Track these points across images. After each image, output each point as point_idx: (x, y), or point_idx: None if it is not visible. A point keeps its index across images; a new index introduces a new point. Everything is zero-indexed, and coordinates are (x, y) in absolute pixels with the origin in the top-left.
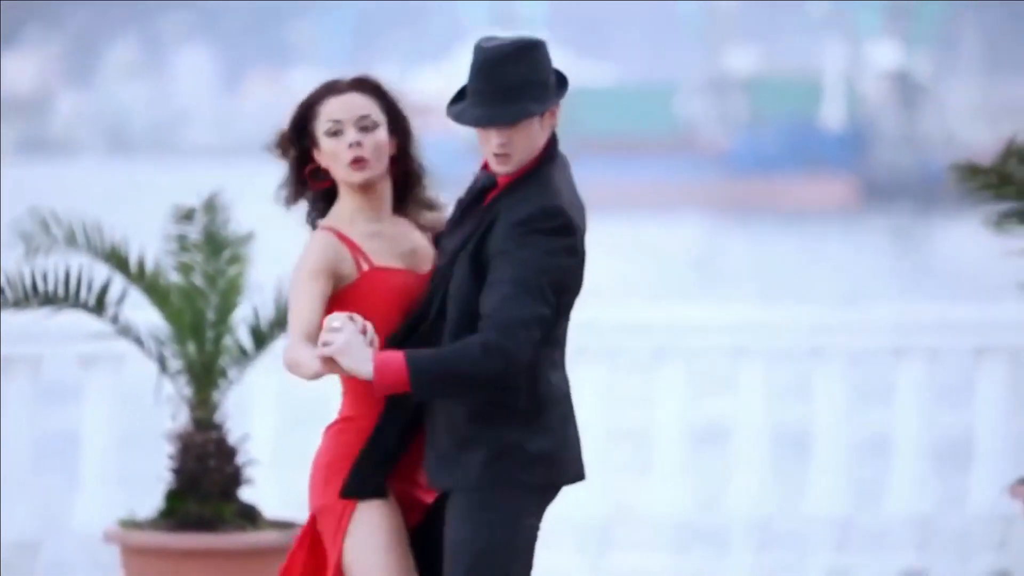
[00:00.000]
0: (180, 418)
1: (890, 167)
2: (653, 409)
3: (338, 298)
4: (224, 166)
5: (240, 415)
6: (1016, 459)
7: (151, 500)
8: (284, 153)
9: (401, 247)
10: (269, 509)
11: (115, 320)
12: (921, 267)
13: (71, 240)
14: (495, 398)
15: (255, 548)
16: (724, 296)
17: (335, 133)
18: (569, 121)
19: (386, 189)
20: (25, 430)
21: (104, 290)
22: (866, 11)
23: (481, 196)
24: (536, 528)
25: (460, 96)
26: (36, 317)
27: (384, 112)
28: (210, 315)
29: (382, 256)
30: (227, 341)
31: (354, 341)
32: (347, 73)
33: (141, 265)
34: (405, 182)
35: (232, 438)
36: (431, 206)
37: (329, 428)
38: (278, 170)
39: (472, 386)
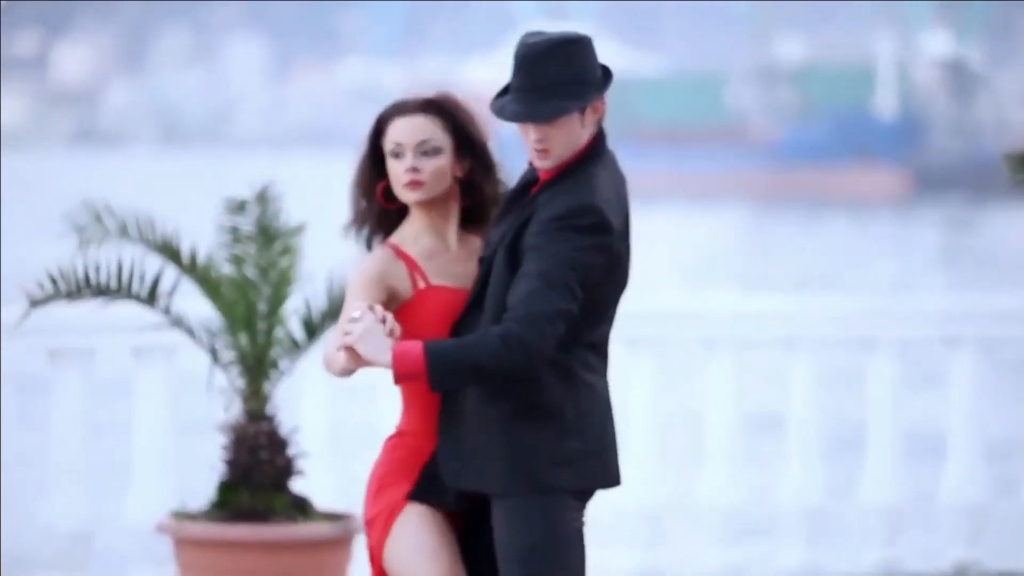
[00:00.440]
0: (232, 409)
1: (942, 156)
2: (704, 399)
3: (396, 316)
4: (274, 155)
5: (292, 406)
6: None
7: (203, 492)
8: (362, 172)
9: (465, 267)
10: (321, 501)
11: (167, 312)
12: (974, 256)
13: (124, 232)
14: (523, 399)
15: (306, 540)
16: (775, 286)
17: (396, 155)
18: (620, 111)
19: (452, 208)
20: (78, 422)
21: (156, 282)
22: None
23: (526, 189)
24: (579, 521)
25: (506, 91)
26: (89, 309)
27: (451, 135)
28: (262, 306)
29: (441, 275)
30: (279, 332)
31: (373, 330)
32: (424, 91)
33: (193, 257)
34: (477, 201)
35: (284, 429)
36: None
37: (386, 441)
38: (327, 160)
39: (489, 377)
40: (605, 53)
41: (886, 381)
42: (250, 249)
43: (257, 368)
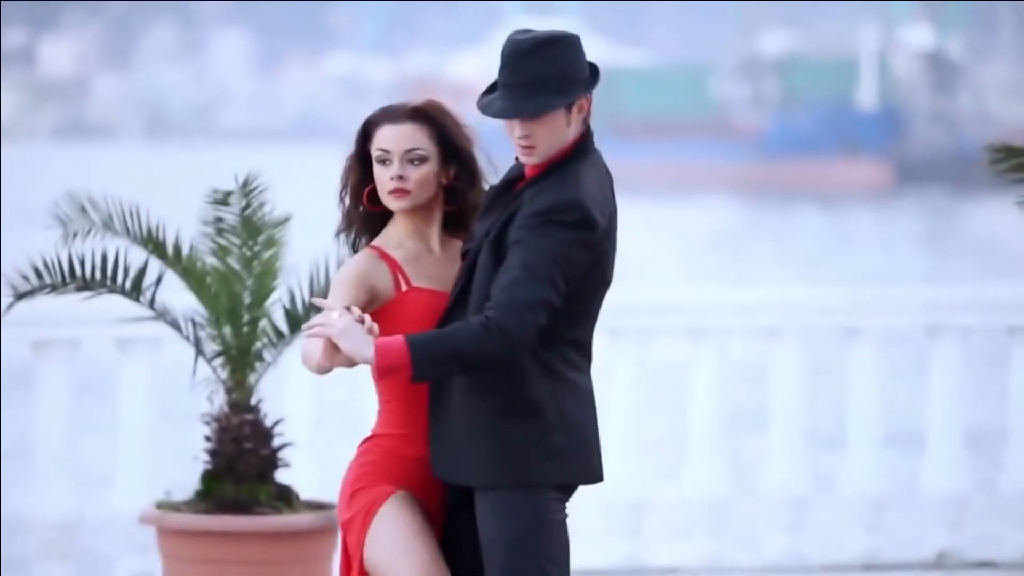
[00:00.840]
0: (216, 401)
1: (924, 148)
2: (687, 390)
3: (378, 316)
4: (261, 149)
5: (276, 398)
6: None
7: (187, 482)
8: (348, 173)
9: (447, 270)
10: (305, 491)
11: (152, 304)
12: (955, 248)
13: (108, 224)
14: (509, 396)
15: (291, 530)
16: (758, 277)
17: (383, 162)
18: (605, 103)
19: (435, 214)
20: (62, 413)
21: (141, 274)
22: None
23: (511, 185)
24: (562, 513)
25: (493, 88)
26: (73, 301)
27: (437, 143)
28: (246, 298)
29: (423, 278)
30: (263, 324)
31: (352, 327)
32: (412, 98)
33: (178, 249)
34: (460, 207)
35: (268, 421)
36: None
37: (360, 445)
38: (314, 154)
39: (472, 365)
40: (590, 47)
41: (869, 371)
42: (235, 241)
43: (241, 359)
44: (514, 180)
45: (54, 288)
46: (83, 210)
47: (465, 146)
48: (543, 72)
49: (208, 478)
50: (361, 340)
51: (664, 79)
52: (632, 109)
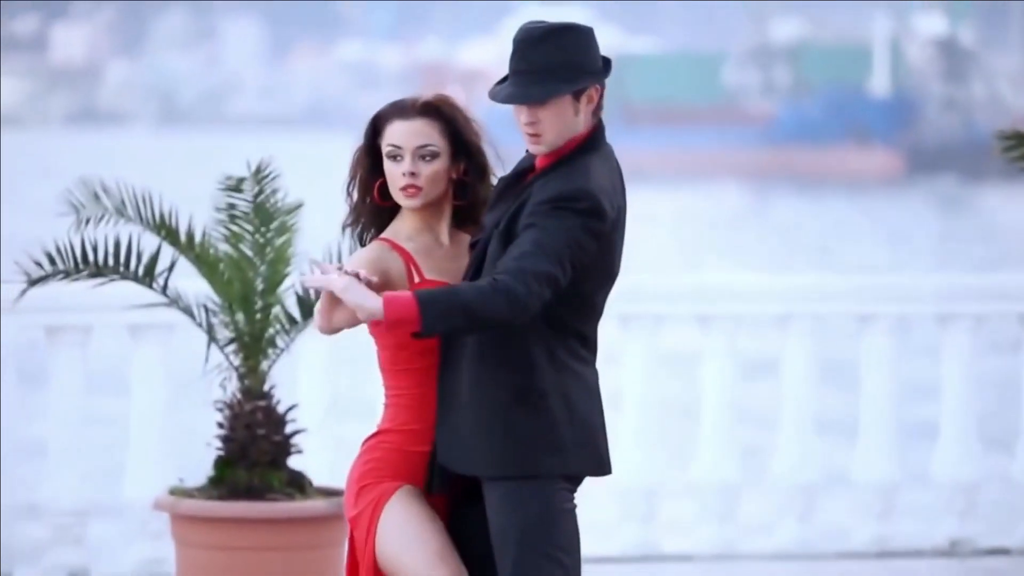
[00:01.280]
0: (229, 387)
1: (936, 135)
2: (698, 377)
3: None
4: (272, 136)
5: (289, 384)
6: None
7: (200, 469)
8: (357, 166)
9: (458, 263)
10: (317, 477)
11: (164, 290)
12: (967, 235)
13: (121, 210)
14: (518, 388)
15: (304, 516)
16: (768, 264)
17: (394, 157)
18: (616, 90)
19: (445, 208)
20: (76, 399)
21: (154, 260)
22: None
23: (521, 176)
24: (571, 502)
25: (507, 79)
26: (86, 287)
27: (448, 139)
28: (259, 285)
29: (435, 271)
30: (276, 311)
31: (354, 283)
32: (423, 91)
33: (191, 235)
34: (470, 202)
35: (281, 407)
36: None
37: (365, 441)
38: (325, 141)
39: (478, 322)
40: (601, 35)
41: (880, 358)
42: (247, 227)
43: (254, 346)
44: (524, 172)
45: (67, 274)
46: (96, 196)
47: (475, 141)
48: (552, 59)
49: (221, 464)
50: (365, 294)
51: (675, 66)
52: (643, 96)
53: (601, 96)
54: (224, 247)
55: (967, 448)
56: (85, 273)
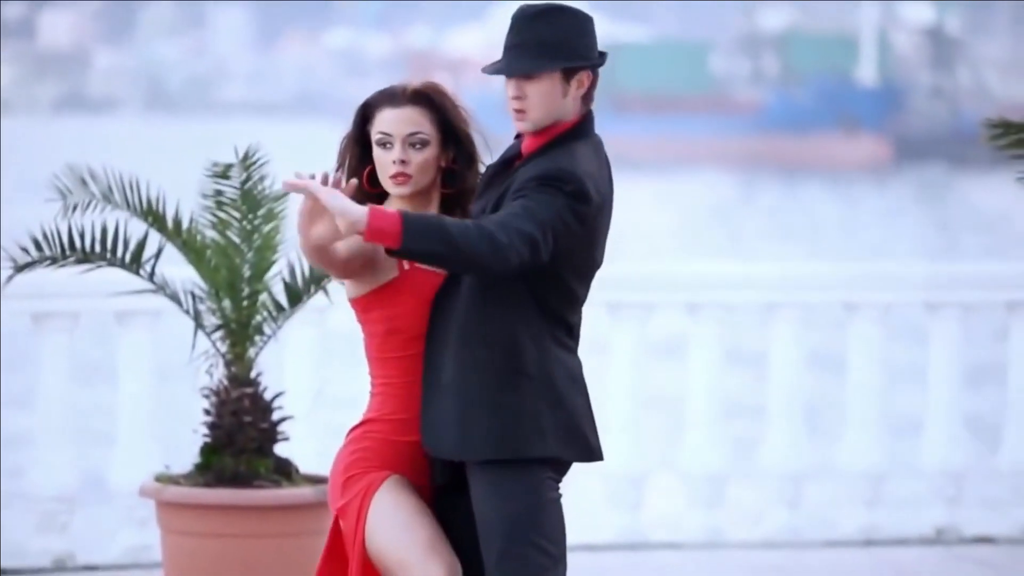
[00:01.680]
0: (216, 374)
1: (923, 124)
2: (686, 364)
3: (379, 295)
4: (260, 123)
5: (275, 371)
6: None
7: (187, 456)
8: (345, 153)
9: None
10: (304, 465)
11: (152, 277)
12: (954, 223)
13: (108, 196)
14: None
15: (290, 503)
16: (757, 253)
17: (383, 145)
18: (605, 79)
19: (433, 196)
20: (62, 386)
21: (141, 247)
22: None
23: (508, 164)
24: (556, 491)
25: None
26: (73, 273)
27: (438, 127)
28: (246, 272)
29: None
30: (263, 298)
31: (336, 191)
32: (412, 79)
33: (178, 222)
34: (458, 190)
35: (267, 394)
36: None
37: (350, 431)
38: (313, 128)
39: (455, 257)
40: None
41: (867, 346)
42: (234, 214)
43: (241, 333)
44: (511, 159)
45: (54, 260)
46: (83, 182)
47: (464, 129)
48: (543, 35)
49: (207, 451)
50: (350, 201)
51: (664, 54)
52: (632, 84)
53: (592, 84)
54: (211, 234)
55: (953, 437)
56: (72, 259)
